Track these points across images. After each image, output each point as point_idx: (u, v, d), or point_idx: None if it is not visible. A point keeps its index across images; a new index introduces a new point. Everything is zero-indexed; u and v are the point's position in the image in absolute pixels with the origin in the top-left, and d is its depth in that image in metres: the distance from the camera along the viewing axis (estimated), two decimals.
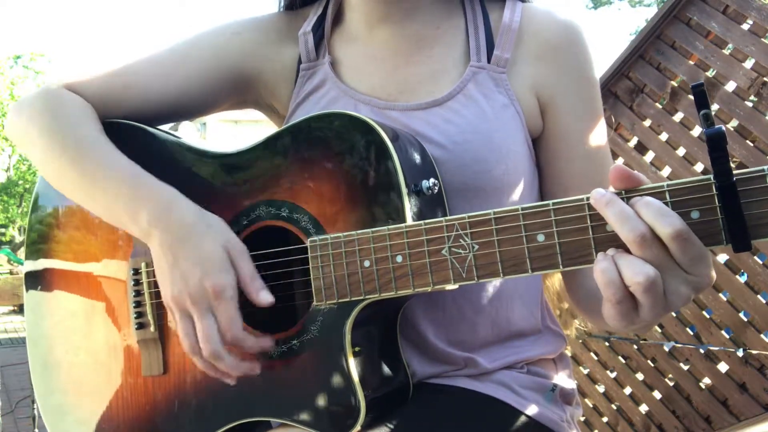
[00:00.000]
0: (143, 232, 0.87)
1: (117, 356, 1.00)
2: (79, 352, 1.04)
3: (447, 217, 0.73)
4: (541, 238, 0.68)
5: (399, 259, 0.76)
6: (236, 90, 1.08)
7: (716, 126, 0.58)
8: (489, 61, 0.97)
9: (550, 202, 0.68)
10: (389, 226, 0.77)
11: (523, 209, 0.69)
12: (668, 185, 0.62)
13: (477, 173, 0.91)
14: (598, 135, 0.99)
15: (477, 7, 1.02)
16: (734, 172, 0.59)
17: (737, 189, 0.59)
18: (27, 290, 1.10)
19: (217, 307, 0.81)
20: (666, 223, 0.61)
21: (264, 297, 0.82)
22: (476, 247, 0.72)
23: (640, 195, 0.64)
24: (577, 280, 0.99)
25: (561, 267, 0.67)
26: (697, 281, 0.64)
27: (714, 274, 0.65)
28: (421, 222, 0.75)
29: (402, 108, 0.96)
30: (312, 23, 1.06)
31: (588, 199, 0.66)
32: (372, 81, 1.00)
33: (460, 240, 0.72)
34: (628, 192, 0.64)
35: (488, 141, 0.92)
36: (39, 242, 1.09)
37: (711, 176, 0.60)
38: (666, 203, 0.62)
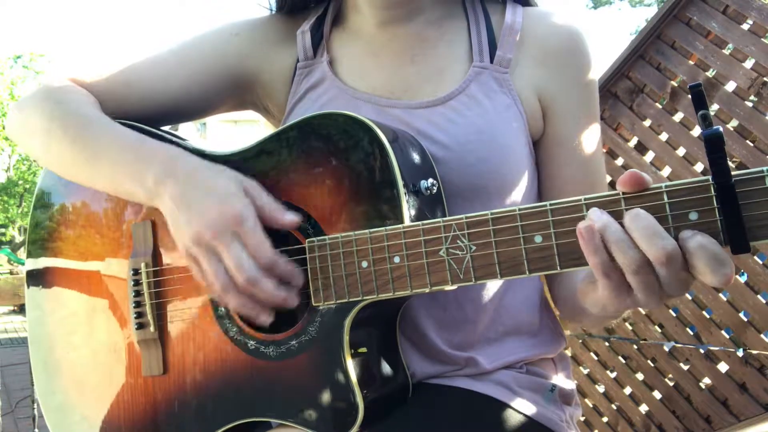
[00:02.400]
0: (151, 193, 0.85)
1: (118, 356, 1.00)
2: (80, 352, 1.04)
3: (445, 218, 0.73)
4: (538, 239, 0.68)
5: (397, 259, 0.76)
6: (236, 91, 1.08)
7: (714, 127, 0.58)
8: (492, 61, 0.97)
9: (548, 203, 0.68)
10: (387, 227, 0.77)
11: (520, 210, 0.69)
12: (666, 186, 0.62)
13: (480, 173, 0.91)
14: (595, 141, 1.00)
15: (478, 9, 1.02)
16: (733, 173, 0.59)
17: (736, 190, 0.59)
18: (28, 288, 1.10)
19: (242, 233, 0.77)
20: (660, 244, 0.61)
21: (290, 218, 0.80)
22: (474, 248, 0.72)
23: (638, 195, 0.63)
24: (558, 284, 1.00)
25: (558, 268, 0.67)
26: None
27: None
28: (419, 223, 0.75)
29: (404, 106, 0.96)
30: (311, 23, 1.06)
31: (585, 199, 0.66)
32: (373, 80, 1.00)
33: (458, 241, 0.72)
34: (627, 193, 0.64)
35: (490, 141, 0.92)
36: (40, 240, 1.09)
37: (710, 177, 0.60)
38: (664, 204, 0.62)
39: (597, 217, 0.64)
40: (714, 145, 0.58)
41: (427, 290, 0.75)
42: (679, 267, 0.61)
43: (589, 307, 0.74)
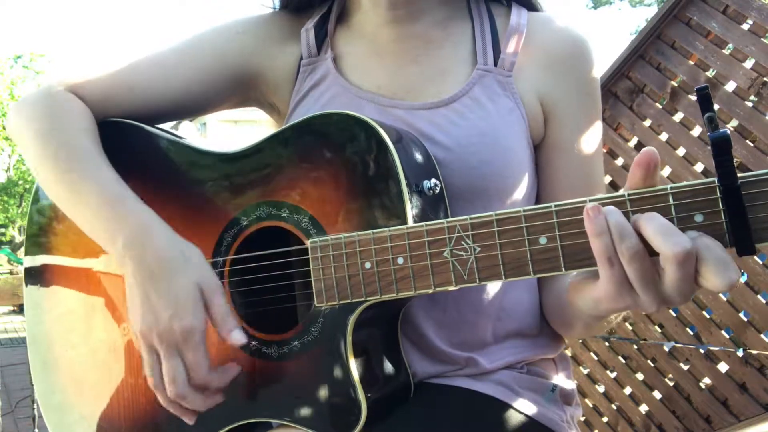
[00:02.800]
0: (119, 257, 0.86)
1: (117, 355, 1.00)
2: (79, 350, 1.04)
3: (449, 219, 0.73)
4: (543, 240, 0.68)
5: (400, 260, 0.76)
6: (239, 88, 1.07)
7: (721, 130, 0.58)
8: (495, 64, 0.97)
9: (552, 204, 0.67)
10: (390, 228, 0.77)
11: (525, 211, 0.69)
12: (672, 188, 0.62)
13: (481, 175, 0.91)
14: (594, 150, 0.99)
15: (483, 11, 1.02)
16: (739, 175, 0.59)
17: (742, 192, 0.59)
18: (26, 286, 1.10)
19: (185, 349, 0.80)
20: (680, 240, 0.60)
21: (236, 337, 0.81)
22: (478, 249, 0.71)
23: (644, 196, 0.63)
24: (546, 290, 1.00)
25: (563, 270, 0.67)
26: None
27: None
28: (423, 224, 0.75)
29: (407, 107, 0.96)
30: (315, 20, 1.06)
31: (590, 200, 0.66)
32: (377, 79, 1.00)
33: (462, 242, 0.72)
34: (632, 194, 0.64)
35: (493, 144, 0.92)
36: (38, 238, 1.08)
37: (715, 179, 0.60)
38: (670, 206, 0.62)
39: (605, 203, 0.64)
40: (721, 148, 0.58)
41: (431, 291, 0.75)
42: (692, 268, 0.60)
43: (580, 304, 0.73)
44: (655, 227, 0.60)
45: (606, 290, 0.65)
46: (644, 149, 0.63)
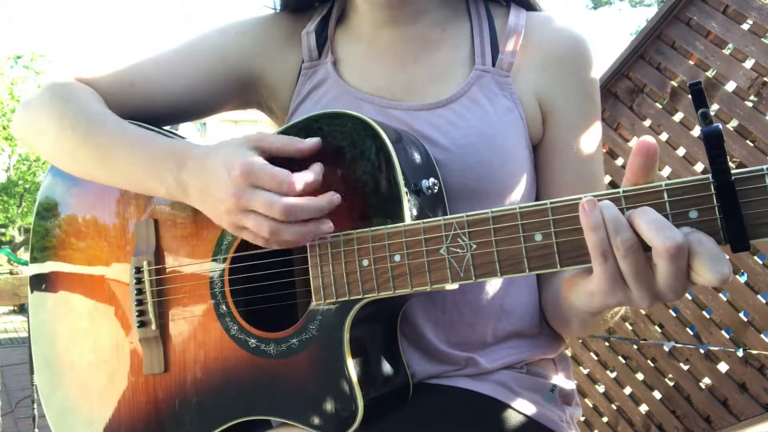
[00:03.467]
0: (173, 189, 0.86)
1: (119, 355, 1.01)
2: (83, 351, 1.04)
3: (445, 217, 0.74)
4: (538, 237, 0.68)
5: (397, 258, 0.76)
6: (240, 90, 1.08)
7: (714, 125, 0.58)
8: (494, 64, 0.97)
9: (548, 201, 0.68)
10: (388, 226, 0.77)
11: (520, 209, 0.69)
12: (666, 185, 0.62)
13: (480, 176, 0.91)
14: (592, 150, 0.99)
15: (482, 12, 1.02)
16: (733, 171, 0.59)
17: (735, 188, 0.59)
18: (32, 291, 1.10)
19: (256, 180, 0.77)
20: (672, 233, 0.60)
21: (308, 142, 0.81)
22: (474, 246, 0.72)
23: (639, 193, 0.63)
24: (545, 284, 1.00)
25: (559, 267, 0.67)
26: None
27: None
28: (420, 221, 0.75)
29: (406, 108, 0.96)
30: (316, 23, 1.06)
31: (586, 197, 0.66)
32: (376, 80, 1.00)
33: (458, 239, 0.72)
34: (627, 191, 0.64)
35: (491, 144, 0.92)
36: (44, 246, 1.09)
37: (709, 176, 0.60)
38: (664, 203, 0.62)
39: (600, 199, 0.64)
40: (713, 143, 0.58)
41: (427, 288, 0.75)
42: (684, 263, 0.60)
43: (574, 300, 0.73)
44: (647, 222, 0.61)
45: (599, 285, 0.65)
46: (641, 138, 0.63)
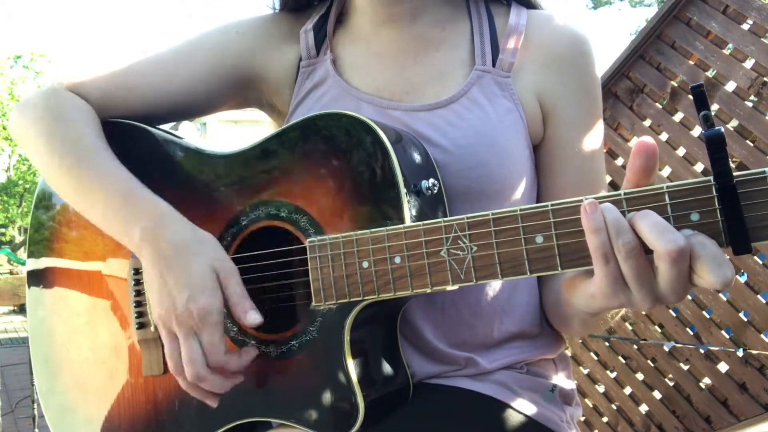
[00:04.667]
0: (135, 247, 0.87)
1: (118, 355, 1.00)
2: (82, 351, 1.04)
3: (446, 219, 0.73)
4: (539, 239, 0.68)
5: (397, 260, 0.76)
6: (239, 89, 1.07)
7: (716, 127, 0.58)
8: (494, 64, 0.97)
9: (549, 203, 0.67)
10: (388, 227, 0.77)
11: (521, 210, 0.69)
12: (668, 187, 0.62)
13: (479, 177, 0.91)
14: (594, 149, 0.99)
15: (482, 11, 1.01)
16: (734, 173, 0.59)
17: (737, 191, 0.59)
18: (29, 288, 1.10)
19: (202, 330, 0.80)
20: (674, 237, 0.60)
21: (252, 318, 0.82)
22: (475, 248, 0.71)
23: (640, 195, 0.63)
24: (546, 285, 1.00)
25: (560, 269, 0.67)
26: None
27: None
28: (420, 223, 0.75)
29: (405, 108, 0.96)
30: (314, 21, 1.06)
31: (586, 200, 0.66)
32: (376, 80, 1.00)
33: (459, 241, 0.72)
34: (628, 193, 0.64)
35: (491, 145, 0.92)
36: (42, 240, 1.09)
37: (711, 178, 0.60)
38: (666, 205, 0.62)
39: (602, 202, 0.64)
40: (716, 146, 0.58)
41: (428, 290, 0.75)
42: (686, 266, 0.60)
43: (574, 301, 0.73)
44: (649, 225, 0.60)
45: (600, 287, 0.65)
46: (640, 138, 0.62)
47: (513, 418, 0.91)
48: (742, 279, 2.30)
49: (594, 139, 0.99)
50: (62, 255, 1.07)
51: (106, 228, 0.92)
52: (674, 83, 2.51)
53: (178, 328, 0.81)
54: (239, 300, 0.82)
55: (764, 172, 0.58)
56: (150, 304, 0.86)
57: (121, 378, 1.00)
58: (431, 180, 0.81)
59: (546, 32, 0.98)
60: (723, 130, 0.58)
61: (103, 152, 0.95)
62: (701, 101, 0.58)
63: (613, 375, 2.72)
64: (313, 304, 0.83)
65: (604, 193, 0.66)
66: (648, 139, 0.62)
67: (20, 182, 25.07)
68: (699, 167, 2.42)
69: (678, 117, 2.50)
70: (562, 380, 1.02)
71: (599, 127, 1.00)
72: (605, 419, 2.76)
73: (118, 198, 0.90)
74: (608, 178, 2.67)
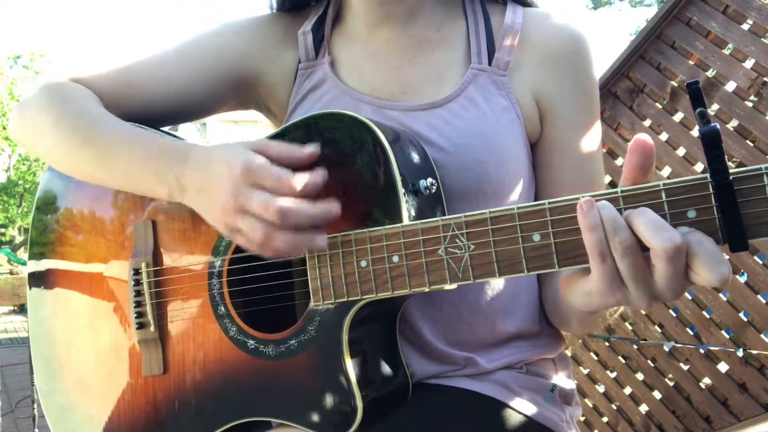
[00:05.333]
0: (173, 190, 0.86)
1: (118, 356, 1.00)
2: (82, 351, 1.04)
3: (443, 217, 0.73)
4: (536, 237, 0.68)
5: (395, 259, 0.76)
6: (237, 90, 1.07)
7: (711, 124, 0.58)
8: (490, 63, 0.97)
9: (546, 201, 0.68)
10: (386, 226, 0.77)
11: (518, 209, 0.69)
12: (664, 184, 0.62)
13: (477, 176, 0.91)
14: (592, 147, 0.99)
15: (478, 10, 1.01)
16: (731, 170, 0.59)
17: (734, 188, 0.59)
18: (30, 289, 1.10)
19: (255, 179, 0.76)
20: (670, 235, 0.60)
21: (306, 149, 0.79)
22: (472, 247, 0.72)
23: (637, 193, 0.63)
24: (544, 283, 1.00)
25: (557, 267, 0.67)
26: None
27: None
28: (418, 222, 0.75)
29: (403, 108, 0.96)
30: (312, 23, 1.06)
31: (583, 197, 0.66)
32: (373, 81, 1.00)
33: (456, 240, 0.72)
34: (625, 191, 0.64)
35: (488, 144, 0.92)
36: (43, 242, 1.09)
37: (708, 175, 0.60)
38: (662, 202, 0.62)
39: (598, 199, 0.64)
40: (711, 142, 0.58)
41: (426, 289, 0.75)
42: (683, 263, 0.60)
43: (572, 299, 0.73)
44: (645, 222, 0.60)
45: (597, 285, 0.65)
46: (636, 136, 0.63)
47: (512, 418, 0.91)
48: (742, 279, 2.30)
49: (591, 137, 0.99)
50: (64, 257, 1.07)
51: (134, 186, 0.92)
52: (674, 83, 2.51)
53: (239, 199, 0.76)
54: (283, 146, 0.79)
55: (761, 169, 0.58)
56: (215, 223, 0.81)
57: (122, 378, 1.00)
58: (429, 179, 0.81)
59: (542, 30, 0.98)
60: (718, 126, 0.58)
61: (113, 119, 0.95)
62: (697, 98, 0.59)
63: (613, 375, 2.72)
64: (312, 303, 0.83)
65: (602, 189, 0.66)
66: (645, 137, 0.62)
67: (20, 182, 25.09)
68: (699, 167, 2.42)
69: (678, 117, 2.50)
70: (561, 380, 1.02)
71: (597, 125, 1.00)
72: (605, 419, 2.76)
73: (138, 150, 0.89)
74: (608, 178, 2.67)
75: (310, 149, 0.79)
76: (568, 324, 0.97)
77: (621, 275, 0.63)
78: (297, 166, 0.78)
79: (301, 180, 0.76)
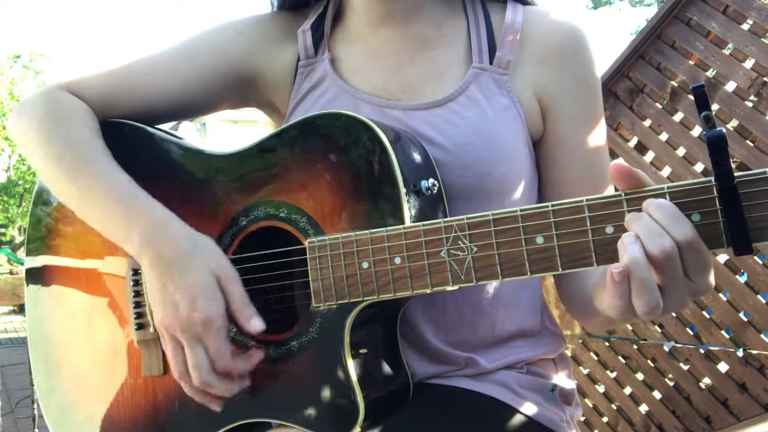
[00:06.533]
0: (135, 252, 0.87)
1: (118, 355, 1.00)
2: (81, 351, 1.04)
3: (446, 219, 0.73)
4: (539, 240, 0.68)
5: (397, 260, 0.76)
6: (238, 89, 1.07)
7: (717, 128, 0.58)
8: (491, 62, 0.97)
9: (549, 203, 0.67)
10: (387, 228, 0.77)
11: (522, 211, 0.68)
12: (669, 187, 0.62)
13: (478, 175, 0.91)
14: (597, 142, 0.99)
15: (478, 9, 1.01)
16: (735, 174, 0.59)
17: (738, 191, 0.58)
18: (27, 286, 1.10)
19: (206, 337, 0.80)
20: (678, 231, 0.61)
21: (254, 324, 0.82)
22: (475, 249, 0.71)
23: (641, 196, 0.63)
24: (569, 280, 1.00)
25: (560, 269, 0.67)
26: (696, 288, 0.65)
27: (713, 281, 0.65)
28: (420, 223, 0.75)
29: (403, 107, 0.96)
30: (312, 21, 1.06)
31: (587, 200, 0.66)
32: (374, 80, 1.00)
33: (459, 242, 0.72)
34: (629, 194, 0.64)
35: (490, 143, 0.92)
36: (40, 239, 1.09)
37: (712, 178, 0.60)
38: None
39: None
40: (717, 147, 0.58)
41: (428, 291, 0.75)
42: (678, 267, 0.62)
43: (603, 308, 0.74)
44: (665, 216, 0.62)
45: (611, 311, 0.67)
46: (612, 163, 0.64)
47: (513, 418, 0.91)
48: (742, 279, 2.30)
49: (596, 131, 0.99)
50: (60, 252, 1.07)
51: (105, 233, 0.92)
52: (674, 83, 2.51)
53: (181, 335, 0.81)
54: (241, 307, 0.82)
55: (765, 173, 0.58)
56: (150, 308, 0.86)
57: (121, 378, 0.99)
58: (431, 180, 0.81)
59: (542, 28, 0.98)
60: (724, 131, 0.58)
61: (101, 156, 0.94)
62: (702, 102, 0.58)
63: (613, 375, 2.72)
64: (313, 304, 0.83)
65: (605, 194, 0.66)
66: (616, 162, 0.64)
67: (20, 182, 25.05)
68: (699, 167, 2.42)
69: (678, 117, 2.50)
70: (562, 380, 1.02)
71: (601, 120, 1.00)
72: (605, 419, 2.76)
73: (117, 203, 0.89)
74: None
75: (256, 325, 0.82)
76: (592, 319, 0.97)
77: (635, 308, 0.65)
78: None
79: (236, 365, 0.83)
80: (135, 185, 0.91)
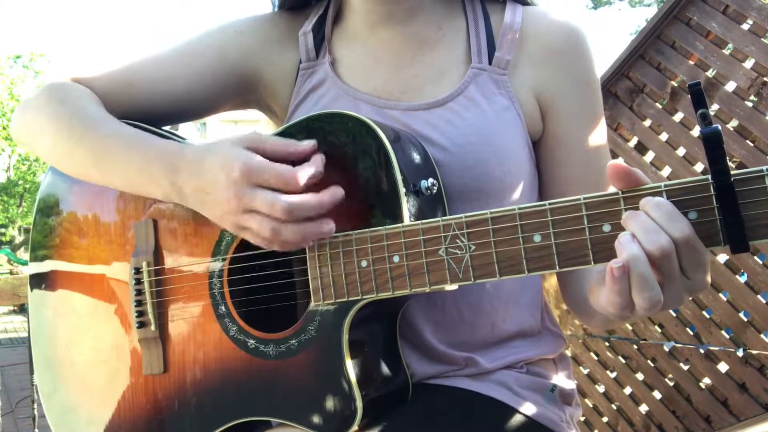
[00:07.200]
0: (169, 192, 0.86)
1: (119, 355, 1.01)
2: (83, 351, 1.04)
3: (444, 218, 0.73)
4: (537, 238, 0.68)
5: (396, 259, 0.76)
6: (239, 89, 1.07)
7: (713, 125, 0.58)
8: (490, 62, 0.97)
9: (547, 202, 0.68)
10: (386, 226, 0.77)
11: (519, 209, 0.69)
12: (666, 185, 0.62)
13: (478, 175, 0.91)
14: (598, 141, 0.99)
15: (478, 9, 1.01)
16: (732, 172, 0.59)
17: (735, 189, 0.59)
18: (31, 290, 1.10)
19: (255, 179, 0.77)
20: (675, 229, 0.61)
21: (306, 144, 0.80)
22: (473, 247, 0.72)
23: (638, 194, 0.63)
24: (570, 279, 1.00)
25: (558, 268, 0.67)
26: (693, 285, 0.65)
27: (709, 279, 0.65)
28: (418, 222, 0.75)
29: (403, 108, 0.96)
30: (312, 23, 1.06)
31: (584, 199, 0.66)
32: (373, 81, 1.00)
33: (457, 240, 0.72)
34: (626, 192, 0.64)
35: (489, 143, 0.92)
36: (44, 244, 1.09)
37: (709, 176, 0.60)
38: None
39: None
40: (713, 144, 0.58)
41: (426, 289, 0.75)
42: (674, 265, 0.62)
43: (600, 305, 0.74)
44: (662, 215, 0.62)
45: (610, 309, 0.68)
46: (609, 164, 0.64)
47: (513, 418, 0.91)
48: (742, 279, 2.30)
49: (596, 130, 0.99)
50: (65, 258, 1.07)
51: (129, 186, 0.92)
52: (674, 83, 2.51)
53: (243, 200, 0.77)
54: (280, 141, 0.80)
55: (762, 171, 0.58)
56: (220, 221, 0.82)
57: (123, 378, 1.00)
58: (431, 180, 0.81)
59: (541, 27, 0.98)
60: (720, 128, 0.58)
61: (110, 120, 0.96)
62: (699, 99, 0.59)
63: (613, 375, 2.72)
64: (312, 303, 0.83)
65: (602, 192, 0.66)
66: (615, 162, 0.64)
67: (20, 182, 25.08)
68: (699, 167, 2.42)
69: (678, 117, 2.50)
70: (562, 380, 1.02)
71: (601, 118, 1.00)
72: (605, 419, 2.76)
73: (134, 153, 0.89)
74: None
75: (308, 144, 0.80)
76: (592, 319, 0.98)
77: (635, 309, 0.66)
78: (294, 160, 0.79)
79: (303, 174, 0.77)
80: (145, 133, 0.92)
